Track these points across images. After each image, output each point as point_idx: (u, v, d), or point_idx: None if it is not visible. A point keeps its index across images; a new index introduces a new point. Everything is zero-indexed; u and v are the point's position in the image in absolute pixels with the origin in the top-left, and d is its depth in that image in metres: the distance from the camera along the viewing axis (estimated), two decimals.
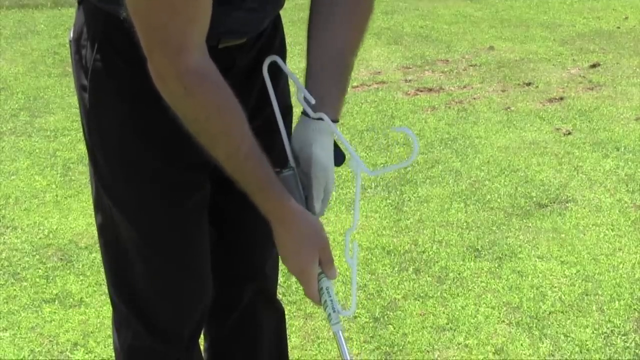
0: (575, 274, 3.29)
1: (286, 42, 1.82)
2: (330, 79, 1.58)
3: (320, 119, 1.56)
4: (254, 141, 1.48)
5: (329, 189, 1.61)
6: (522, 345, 2.85)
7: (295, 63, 4.96)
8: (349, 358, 1.66)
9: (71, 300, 3.14)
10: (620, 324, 2.96)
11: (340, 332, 1.64)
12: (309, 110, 1.61)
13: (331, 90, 1.58)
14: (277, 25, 1.75)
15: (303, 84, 1.60)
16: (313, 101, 1.60)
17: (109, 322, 1.93)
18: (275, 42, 1.75)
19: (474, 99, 5.43)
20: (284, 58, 1.81)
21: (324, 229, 1.60)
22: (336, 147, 1.61)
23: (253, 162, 1.48)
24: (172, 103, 1.42)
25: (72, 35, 1.67)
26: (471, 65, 6.18)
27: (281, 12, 1.75)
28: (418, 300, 3.13)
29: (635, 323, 2.96)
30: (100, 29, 1.59)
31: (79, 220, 3.75)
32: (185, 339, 1.87)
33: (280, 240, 1.58)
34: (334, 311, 1.61)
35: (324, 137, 1.58)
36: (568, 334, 2.90)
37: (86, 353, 2.83)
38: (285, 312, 2.15)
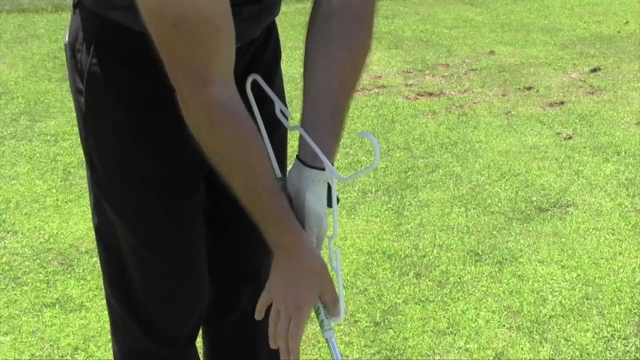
0: (575, 278, 3.29)
1: (287, 46, 1.82)
2: (325, 127, 1.56)
3: (318, 168, 1.55)
4: (273, 175, 1.48)
5: (320, 236, 1.60)
6: (522, 349, 2.85)
7: (296, 67, 4.96)
8: None
9: (72, 304, 3.14)
10: (620, 328, 2.96)
11: (332, 338, 1.64)
12: (287, 124, 1.64)
13: (326, 139, 1.56)
14: (270, 31, 1.76)
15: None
16: (289, 115, 1.61)
17: (109, 326, 1.93)
18: (269, 45, 1.76)
19: (475, 103, 5.43)
20: (278, 61, 1.83)
21: (327, 269, 1.59)
22: (329, 189, 1.59)
23: (270, 195, 1.48)
24: (195, 133, 1.41)
25: (67, 39, 1.68)
26: (472, 70, 6.18)
27: (282, 16, 1.76)
28: (419, 304, 3.13)
29: (636, 327, 2.96)
30: (95, 34, 1.59)
31: (79, 224, 3.75)
32: (183, 341, 1.88)
33: (283, 272, 1.56)
34: (327, 318, 1.62)
35: (318, 186, 1.56)
36: (568, 338, 2.90)
37: (87, 357, 2.83)
38: None
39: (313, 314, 1.63)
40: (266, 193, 1.48)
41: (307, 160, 1.55)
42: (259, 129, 1.67)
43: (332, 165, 1.55)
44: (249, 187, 1.47)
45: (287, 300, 1.57)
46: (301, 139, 1.56)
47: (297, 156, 1.57)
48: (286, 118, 1.68)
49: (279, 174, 1.66)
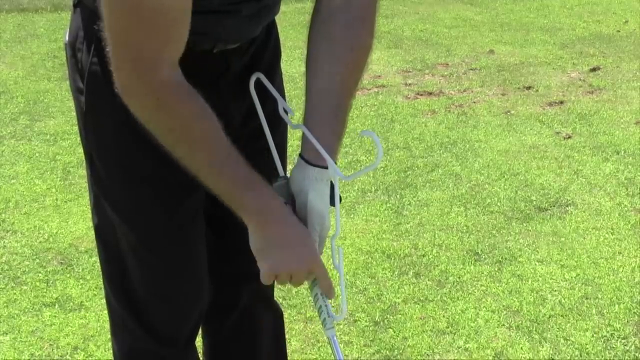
0: (575, 277, 3.29)
1: (287, 45, 1.82)
2: (327, 126, 1.57)
3: (321, 166, 1.54)
4: (230, 143, 1.46)
5: (323, 235, 1.60)
6: (522, 348, 2.85)
7: (295, 67, 4.98)
8: None
9: (71, 304, 3.14)
10: (620, 327, 2.96)
11: (334, 336, 1.64)
12: (289, 121, 1.64)
13: (328, 137, 1.56)
14: (270, 30, 1.76)
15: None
16: (292, 113, 1.61)
17: (109, 326, 1.93)
18: (269, 44, 1.77)
19: (474, 102, 5.43)
20: (278, 60, 1.84)
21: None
22: (331, 188, 1.59)
23: (236, 160, 1.47)
24: (143, 118, 1.41)
25: (67, 38, 1.68)
26: (471, 69, 6.17)
27: (281, 16, 1.76)
28: (418, 304, 3.13)
29: (635, 327, 2.96)
30: (96, 33, 1.59)
31: (79, 224, 3.75)
32: (183, 340, 1.88)
33: (273, 239, 1.54)
34: (329, 316, 1.62)
35: (321, 185, 1.56)
36: (568, 338, 2.90)
37: (86, 357, 2.83)
38: (286, 316, 2.15)
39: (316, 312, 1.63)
40: (231, 158, 1.46)
41: (310, 158, 1.55)
42: (262, 127, 1.68)
43: (335, 163, 1.55)
44: (213, 158, 1.46)
45: (298, 258, 1.56)
46: (304, 138, 1.57)
47: (299, 154, 1.57)
48: (288, 115, 1.68)
49: (281, 172, 1.65)
